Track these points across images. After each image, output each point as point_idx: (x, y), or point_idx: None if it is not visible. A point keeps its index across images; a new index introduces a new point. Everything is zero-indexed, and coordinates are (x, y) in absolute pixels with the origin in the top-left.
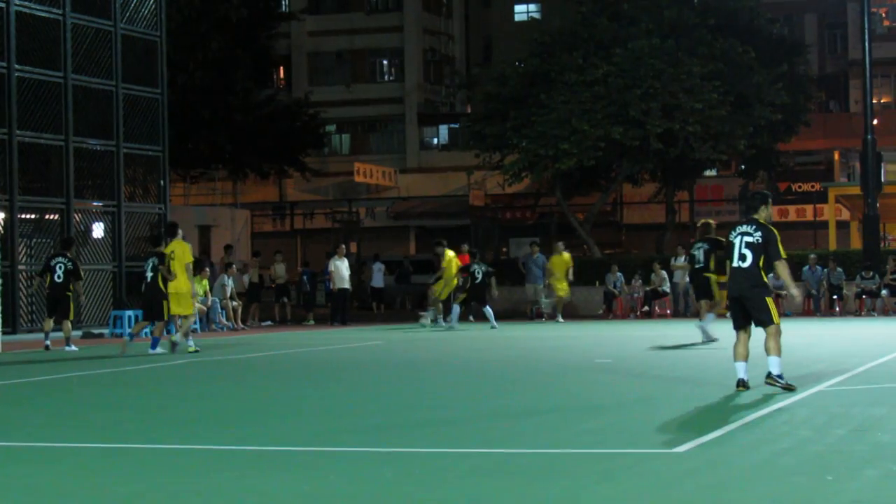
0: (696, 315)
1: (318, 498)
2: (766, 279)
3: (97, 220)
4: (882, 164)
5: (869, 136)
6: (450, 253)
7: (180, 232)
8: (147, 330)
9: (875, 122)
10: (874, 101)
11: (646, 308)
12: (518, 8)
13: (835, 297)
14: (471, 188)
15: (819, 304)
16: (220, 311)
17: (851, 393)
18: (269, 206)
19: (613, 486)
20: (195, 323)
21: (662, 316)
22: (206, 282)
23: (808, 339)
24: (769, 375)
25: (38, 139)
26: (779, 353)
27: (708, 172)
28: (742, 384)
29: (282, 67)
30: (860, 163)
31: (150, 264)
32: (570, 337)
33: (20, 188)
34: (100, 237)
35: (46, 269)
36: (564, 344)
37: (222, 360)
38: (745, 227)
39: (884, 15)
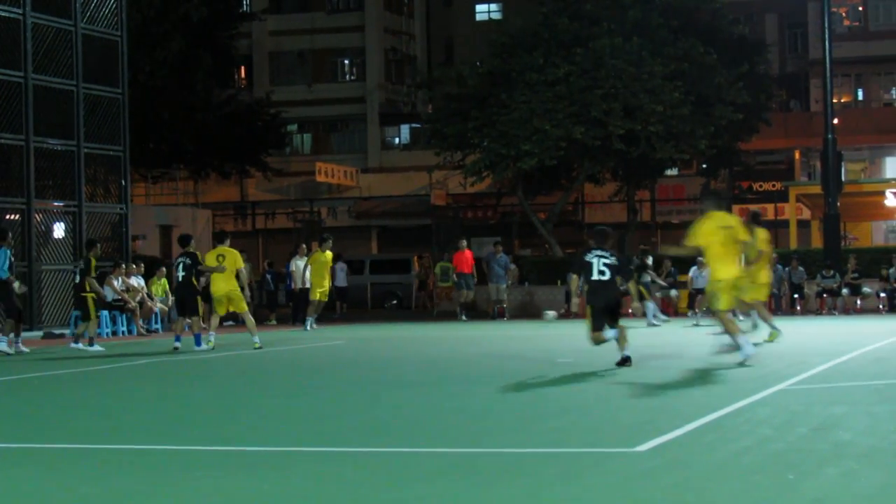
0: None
1: (279, 498)
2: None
3: (58, 221)
4: (842, 164)
5: (829, 136)
6: (328, 254)
7: (228, 240)
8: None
9: (836, 121)
10: (835, 101)
11: None
12: (479, 8)
13: (796, 295)
14: (432, 188)
15: (780, 303)
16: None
17: (812, 392)
18: (230, 205)
19: (574, 485)
20: (157, 323)
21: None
22: (165, 281)
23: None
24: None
25: None
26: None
27: (669, 172)
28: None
29: (243, 67)
30: (821, 162)
31: (181, 264)
32: (531, 336)
33: None
34: (60, 237)
35: None
36: (526, 344)
37: (184, 360)
38: (599, 251)
39: (844, 14)
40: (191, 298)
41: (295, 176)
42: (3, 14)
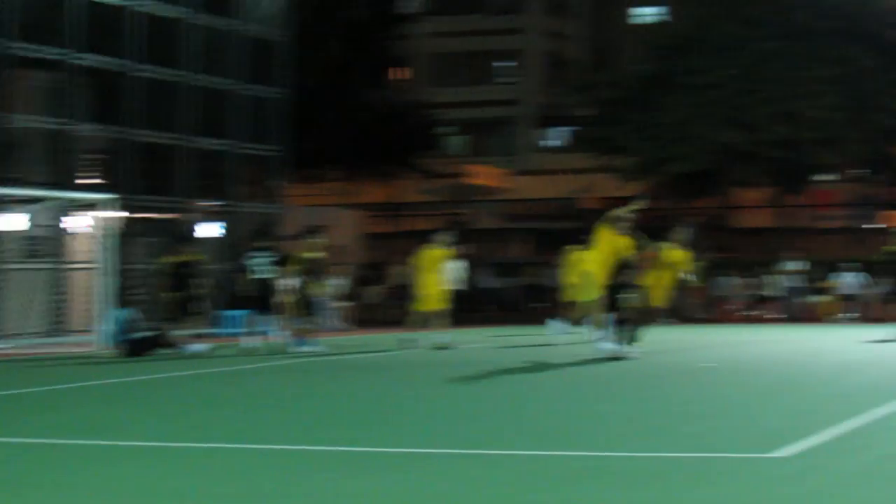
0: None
1: (412, 500)
2: None
3: (213, 220)
4: None
5: None
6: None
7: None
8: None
9: None
10: None
11: (754, 312)
12: (638, 11)
13: None
14: (584, 191)
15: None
16: (329, 311)
17: None
18: (383, 206)
19: (712, 490)
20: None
21: (772, 321)
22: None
23: None
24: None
25: (156, 138)
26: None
27: (823, 177)
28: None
29: (401, 69)
30: None
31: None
32: (675, 340)
33: (135, 187)
34: (215, 236)
35: None
36: (669, 347)
37: (326, 361)
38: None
39: None
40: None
41: (449, 177)
42: (167, 14)
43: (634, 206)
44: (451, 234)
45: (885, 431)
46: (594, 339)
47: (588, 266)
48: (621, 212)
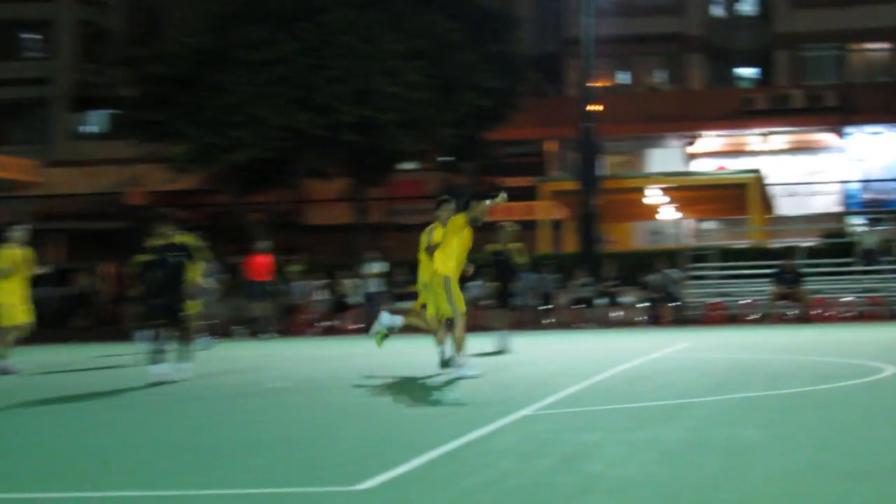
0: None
1: None
2: None
3: None
4: (602, 157)
5: (587, 125)
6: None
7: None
8: None
9: (596, 107)
10: (596, 85)
11: (332, 322)
12: None
13: (545, 306)
14: (130, 184)
15: (527, 316)
16: None
17: (561, 417)
18: None
19: None
20: None
21: (355, 331)
22: None
23: (514, 356)
24: None
25: None
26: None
27: (406, 165)
28: None
29: None
30: (577, 154)
31: None
32: (237, 357)
33: None
34: None
35: None
36: (230, 366)
37: None
38: None
39: None
40: None
41: None
42: None
43: (498, 200)
44: (28, 230)
45: (480, 456)
46: (448, 362)
47: (439, 268)
48: (484, 206)
